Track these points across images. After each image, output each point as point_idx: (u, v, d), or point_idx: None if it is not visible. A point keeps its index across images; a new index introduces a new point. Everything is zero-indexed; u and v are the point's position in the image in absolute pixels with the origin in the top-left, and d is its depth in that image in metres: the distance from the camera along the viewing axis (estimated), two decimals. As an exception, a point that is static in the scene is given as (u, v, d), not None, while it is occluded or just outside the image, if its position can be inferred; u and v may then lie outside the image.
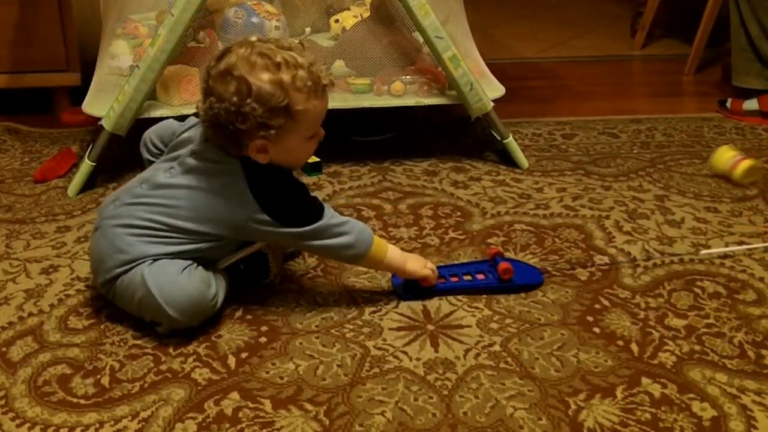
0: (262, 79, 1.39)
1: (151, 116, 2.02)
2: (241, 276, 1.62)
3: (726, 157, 2.14)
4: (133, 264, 1.46)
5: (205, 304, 1.47)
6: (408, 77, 2.23)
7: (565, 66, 3.32)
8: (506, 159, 2.26)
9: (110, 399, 1.33)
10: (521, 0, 4.39)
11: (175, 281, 1.44)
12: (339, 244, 1.50)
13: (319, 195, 2.04)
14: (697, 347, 1.47)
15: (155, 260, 1.46)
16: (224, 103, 1.40)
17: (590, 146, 2.41)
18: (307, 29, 2.43)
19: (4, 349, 1.46)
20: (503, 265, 1.63)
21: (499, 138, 2.25)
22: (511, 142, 2.24)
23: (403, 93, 2.22)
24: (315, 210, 1.48)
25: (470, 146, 2.38)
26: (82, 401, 1.33)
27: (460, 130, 2.47)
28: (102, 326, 1.51)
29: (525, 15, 4.12)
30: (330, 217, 1.49)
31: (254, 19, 2.23)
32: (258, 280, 1.65)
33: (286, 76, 1.40)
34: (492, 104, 2.22)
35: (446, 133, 2.48)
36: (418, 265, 1.59)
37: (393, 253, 1.57)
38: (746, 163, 2.10)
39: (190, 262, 1.48)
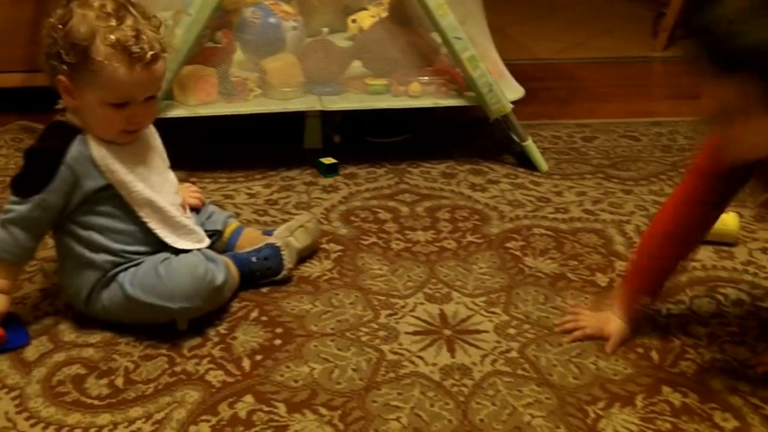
0: (84, 15, 1.38)
1: (168, 116, 2.01)
2: (254, 271, 1.61)
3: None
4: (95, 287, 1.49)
5: (201, 284, 1.46)
6: (425, 78, 2.21)
7: (584, 67, 3.29)
8: (525, 161, 2.24)
9: (124, 400, 1.32)
10: (539, 0, 4.36)
11: (158, 277, 1.45)
12: None
13: (335, 197, 2.03)
14: (719, 356, 1.45)
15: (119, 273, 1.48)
16: (47, 25, 1.41)
17: (610, 149, 2.39)
18: (325, 29, 2.42)
19: (19, 348, 1.45)
20: None
21: (517, 140, 2.23)
22: (530, 144, 2.22)
23: (420, 94, 2.20)
24: (20, 185, 1.45)
25: (488, 148, 2.36)
26: (96, 402, 1.32)
27: (478, 131, 2.45)
28: (117, 326, 1.50)
29: (543, 15, 4.10)
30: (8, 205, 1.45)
31: (271, 19, 2.22)
32: (271, 276, 1.63)
33: (103, 25, 1.38)
34: (511, 106, 2.20)
35: (464, 134, 2.46)
36: None
37: None
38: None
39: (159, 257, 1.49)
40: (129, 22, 1.39)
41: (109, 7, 1.39)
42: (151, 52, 1.39)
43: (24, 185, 1.44)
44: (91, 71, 1.38)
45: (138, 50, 1.38)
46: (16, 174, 1.45)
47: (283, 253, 1.63)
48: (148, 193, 1.48)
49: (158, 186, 1.52)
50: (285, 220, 1.78)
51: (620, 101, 2.85)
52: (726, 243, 1.82)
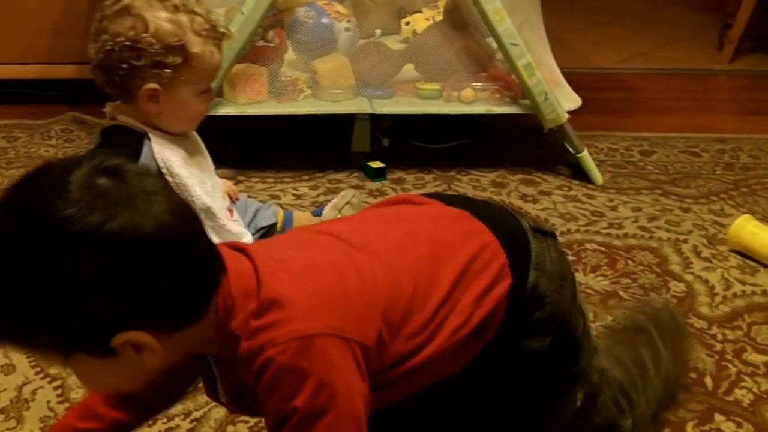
0: (160, 17, 1.36)
1: (218, 114, 2.00)
2: None
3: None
4: None
5: None
6: (479, 84, 2.16)
7: (645, 78, 3.19)
8: (579, 173, 2.17)
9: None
10: (601, 6, 4.25)
11: None
12: None
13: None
14: (777, 387, 1.38)
15: None
16: (119, 38, 1.35)
17: (669, 164, 2.31)
18: (378, 31, 2.39)
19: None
20: None
21: (572, 151, 2.16)
22: (585, 156, 2.15)
23: (473, 100, 2.15)
24: None
25: (541, 158, 2.29)
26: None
27: (531, 140, 2.39)
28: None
29: (604, 22, 4.00)
30: None
31: (324, 20, 2.18)
32: None
33: (184, 17, 1.38)
34: (567, 115, 2.13)
35: (516, 143, 2.40)
36: None
37: None
38: None
39: None
40: (197, 9, 1.40)
41: (172, 1, 1.38)
42: (223, 30, 1.43)
43: None
44: (190, 66, 1.38)
45: (223, 30, 1.42)
46: None
47: None
48: (205, 199, 1.47)
49: (212, 190, 1.51)
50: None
51: (681, 115, 2.75)
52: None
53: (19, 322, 0.78)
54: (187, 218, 0.81)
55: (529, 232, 1.01)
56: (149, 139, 1.41)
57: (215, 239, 1.45)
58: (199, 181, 1.47)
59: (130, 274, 0.76)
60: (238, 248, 0.89)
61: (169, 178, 1.41)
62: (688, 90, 3.06)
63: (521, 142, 2.40)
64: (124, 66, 1.36)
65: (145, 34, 1.34)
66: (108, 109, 1.45)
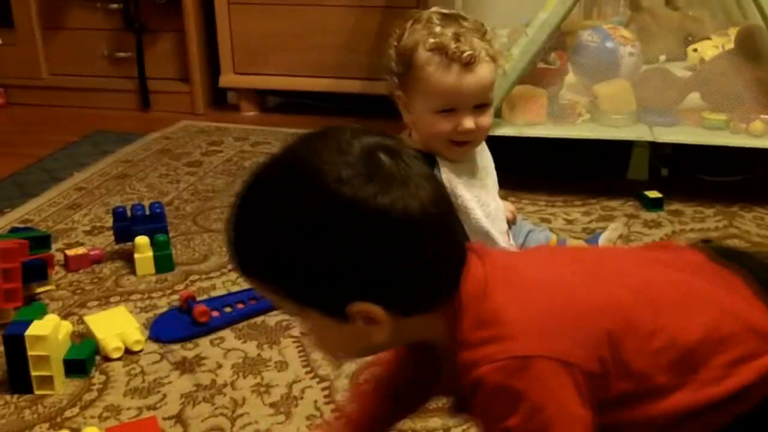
0: (413, 30, 1.43)
1: (495, 134, 2.03)
2: None
3: None
4: None
5: None
6: (771, 117, 2.05)
7: None
8: None
9: (425, 408, 1.32)
10: None
11: None
12: None
13: (658, 233, 1.94)
14: None
15: None
16: (390, 40, 1.46)
17: None
18: (662, 57, 2.33)
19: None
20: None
21: None
22: None
23: (763, 133, 2.04)
24: None
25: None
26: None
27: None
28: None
29: None
30: None
31: (609, 44, 2.16)
32: None
33: (426, 32, 1.41)
34: None
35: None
36: None
37: None
38: None
39: None
40: (452, 28, 1.42)
41: (436, 18, 1.44)
42: (468, 53, 1.40)
43: None
44: (416, 79, 1.43)
45: (454, 49, 1.40)
46: None
47: None
48: (485, 223, 1.49)
49: (494, 213, 1.53)
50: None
51: None
52: None
53: (272, 264, 0.82)
54: (447, 209, 0.83)
55: None
56: (436, 158, 1.46)
57: None
58: (482, 203, 1.50)
59: (387, 250, 0.79)
60: (474, 250, 0.89)
61: (452, 198, 1.45)
62: None
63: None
64: (385, 68, 1.49)
65: (395, 43, 1.45)
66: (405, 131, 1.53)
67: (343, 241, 0.79)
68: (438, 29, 1.42)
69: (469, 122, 1.45)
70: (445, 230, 0.83)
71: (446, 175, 1.46)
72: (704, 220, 2.02)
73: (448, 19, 1.44)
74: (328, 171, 0.79)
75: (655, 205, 2.06)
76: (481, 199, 1.50)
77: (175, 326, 1.57)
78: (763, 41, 2.03)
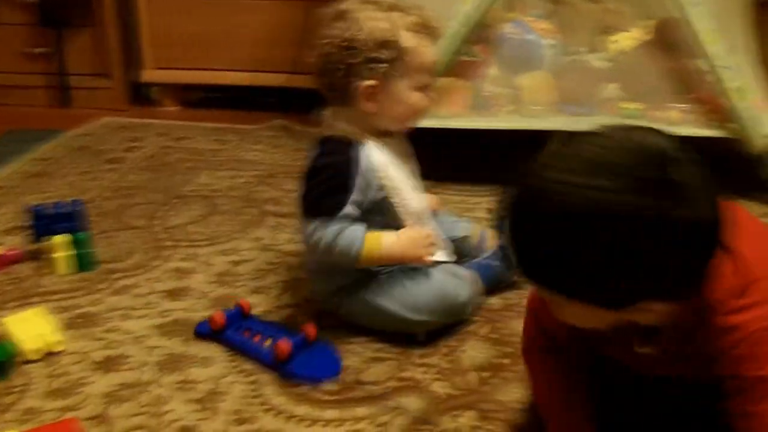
0: (373, 17, 1.41)
1: (419, 126, 2.04)
2: (497, 275, 1.63)
3: None
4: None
5: (445, 300, 1.48)
6: (685, 106, 2.11)
7: None
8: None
9: (351, 398, 1.35)
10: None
11: (405, 288, 1.48)
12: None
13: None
14: None
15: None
16: (336, 40, 1.41)
17: None
18: (582, 48, 2.36)
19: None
20: (282, 344, 1.41)
21: (780, 178, 2.06)
22: (795, 184, 2.05)
23: (678, 122, 2.10)
24: (321, 206, 1.43)
25: (743, 185, 2.19)
26: (326, 396, 1.36)
27: (736, 166, 2.28)
28: (351, 326, 1.53)
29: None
30: (321, 227, 1.42)
31: (530, 37, 2.19)
32: (508, 278, 1.64)
33: (396, 15, 1.42)
34: (777, 141, 2.04)
35: (720, 168, 2.29)
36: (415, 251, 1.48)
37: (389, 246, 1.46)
38: None
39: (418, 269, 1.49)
40: (402, 5, 1.45)
41: (383, 2, 1.45)
42: (437, 26, 1.47)
43: (328, 202, 1.44)
44: (403, 61, 1.43)
45: (435, 25, 1.46)
46: (310, 197, 1.46)
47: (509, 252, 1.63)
48: (416, 204, 1.52)
49: (419, 198, 1.56)
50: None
51: None
52: None
53: (582, 278, 0.88)
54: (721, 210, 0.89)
55: None
56: (364, 145, 1.47)
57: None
58: (411, 187, 1.52)
59: (692, 254, 0.87)
60: None
61: (385, 182, 1.47)
62: None
63: (725, 166, 2.30)
64: (342, 66, 1.43)
65: (359, 33, 1.41)
66: (326, 114, 1.51)
67: (659, 255, 0.84)
68: (398, 11, 1.44)
69: (432, 88, 1.50)
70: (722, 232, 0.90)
71: (379, 158, 1.47)
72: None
73: (381, 2, 1.46)
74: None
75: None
76: (409, 183, 1.53)
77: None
78: (679, 32, 2.08)
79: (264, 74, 2.81)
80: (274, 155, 2.46)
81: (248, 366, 1.43)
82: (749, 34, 2.27)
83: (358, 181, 1.44)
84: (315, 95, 1.51)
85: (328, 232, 1.42)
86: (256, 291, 1.67)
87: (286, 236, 1.91)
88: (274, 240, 1.90)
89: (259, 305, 1.61)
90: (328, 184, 1.44)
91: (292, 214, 2.01)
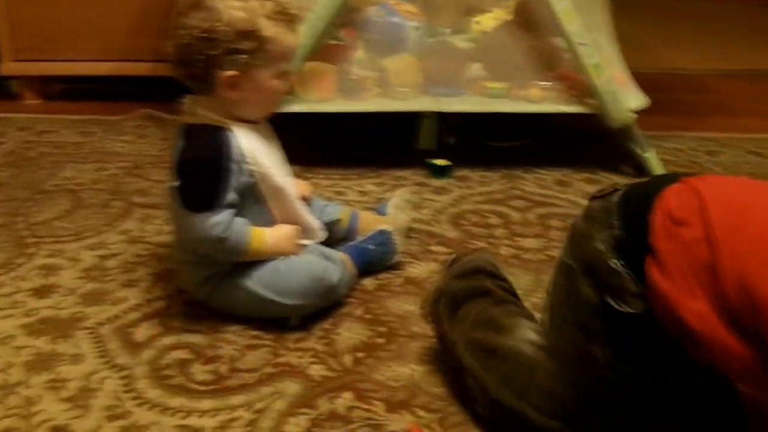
0: (232, 6, 1.40)
1: (288, 111, 2.04)
2: (371, 259, 1.64)
3: None
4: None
5: (318, 283, 1.49)
6: (547, 83, 2.18)
7: (723, 80, 3.15)
8: (643, 173, 2.17)
9: (227, 387, 1.34)
10: (686, 10, 4.19)
11: (277, 273, 1.48)
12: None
13: (446, 199, 2.02)
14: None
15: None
16: (195, 30, 1.39)
17: (735, 165, 2.29)
18: (447, 30, 2.41)
19: (130, 329, 1.49)
20: None
21: (638, 151, 2.16)
22: (650, 156, 2.15)
23: (540, 99, 2.17)
24: (202, 199, 1.43)
25: (606, 157, 2.29)
26: (200, 387, 1.34)
27: (596, 139, 2.39)
28: (225, 315, 1.52)
29: (687, 25, 3.95)
30: (210, 220, 1.43)
31: (394, 19, 2.22)
32: (387, 261, 1.66)
33: (254, 3, 1.41)
34: (634, 115, 2.13)
35: (582, 142, 2.40)
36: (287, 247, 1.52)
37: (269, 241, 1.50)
38: None
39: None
40: None
41: None
42: (295, 12, 1.46)
43: (206, 196, 1.43)
44: (264, 50, 1.41)
45: (293, 12, 1.44)
46: (190, 191, 1.44)
47: (394, 238, 1.66)
48: (288, 188, 1.52)
49: (289, 181, 1.56)
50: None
51: (755, 117, 2.72)
52: None
53: None
54: None
55: None
56: (230, 131, 1.45)
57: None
58: (279, 169, 1.52)
59: None
60: None
61: (254, 168, 1.46)
62: (765, 92, 3.01)
63: (587, 141, 2.41)
64: (202, 57, 1.40)
65: (218, 23, 1.39)
66: (187, 102, 1.49)
67: None
68: (254, 1, 1.41)
69: (291, 73, 1.50)
70: None
71: (247, 143, 1.46)
72: (490, 183, 2.13)
73: None
74: None
75: (443, 172, 2.15)
76: (278, 166, 1.53)
77: None
78: (538, 11, 2.14)
79: (128, 63, 2.74)
80: (141, 146, 2.40)
81: (121, 361, 1.40)
82: (606, 11, 2.35)
83: (232, 167, 1.43)
84: (180, 84, 1.49)
85: (216, 225, 1.42)
86: (126, 285, 1.63)
87: (155, 227, 1.87)
88: (142, 232, 1.86)
89: (130, 299, 1.58)
90: (204, 176, 1.43)
91: (160, 205, 1.97)
